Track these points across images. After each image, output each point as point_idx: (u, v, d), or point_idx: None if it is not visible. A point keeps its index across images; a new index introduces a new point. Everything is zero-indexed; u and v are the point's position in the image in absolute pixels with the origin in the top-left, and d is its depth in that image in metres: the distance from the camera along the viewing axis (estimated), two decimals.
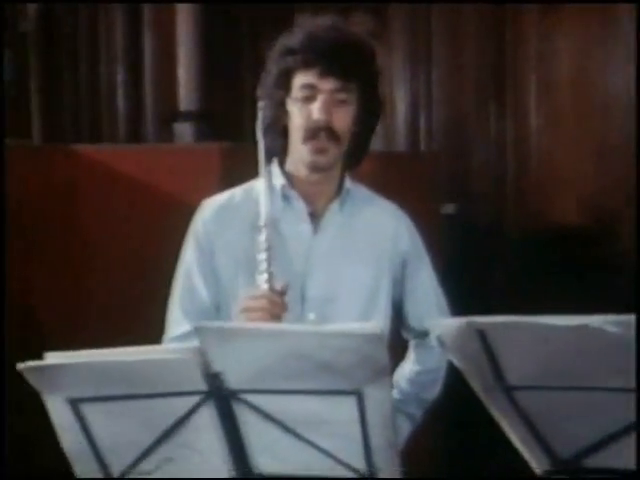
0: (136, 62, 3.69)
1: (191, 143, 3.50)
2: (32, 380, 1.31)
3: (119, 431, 1.36)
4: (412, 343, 2.07)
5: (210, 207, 1.94)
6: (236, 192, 1.96)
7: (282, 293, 1.72)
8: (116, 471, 1.39)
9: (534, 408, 1.28)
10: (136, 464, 1.38)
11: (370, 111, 1.93)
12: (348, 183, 1.96)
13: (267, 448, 1.36)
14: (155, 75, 3.68)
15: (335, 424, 1.32)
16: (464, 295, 2.97)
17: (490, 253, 3.96)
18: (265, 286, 1.71)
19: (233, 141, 3.01)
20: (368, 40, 1.97)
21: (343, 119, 1.86)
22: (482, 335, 1.22)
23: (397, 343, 1.99)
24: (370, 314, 1.90)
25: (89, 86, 3.69)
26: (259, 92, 1.93)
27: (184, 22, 3.59)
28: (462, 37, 4.02)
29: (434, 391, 2.05)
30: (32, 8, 3.25)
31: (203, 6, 3.62)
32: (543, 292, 3.59)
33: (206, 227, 1.91)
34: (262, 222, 1.76)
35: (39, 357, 1.32)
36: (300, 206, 1.92)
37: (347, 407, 1.29)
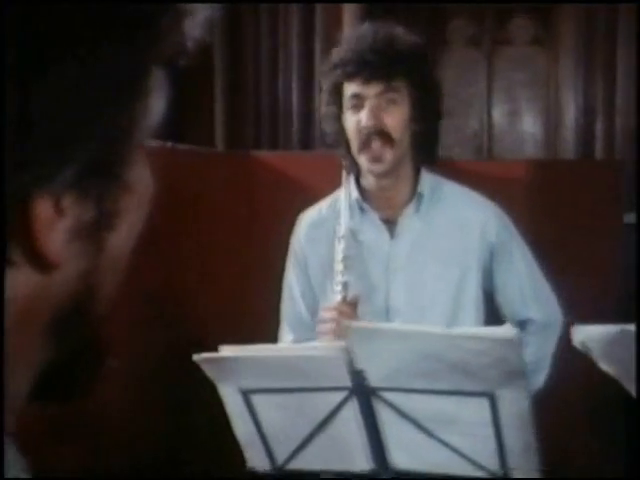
0: (309, 71, 3.83)
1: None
2: (207, 370, 1.45)
3: (281, 421, 1.49)
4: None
5: (303, 223, 2.02)
6: (323, 205, 2.02)
7: (353, 303, 1.77)
8: (280, 459, 1.52)
9: None
10: (296, 454, 1.50)
11: (427, 106, 1.90)
12: (425, 184, 1.94)
13: (402, 444, 1.44)
14: None
15: (467, 424, 1.38)
16: None
17: None
18: (339, 296, 1.76)
19: None
20: (411, 37, 1.92)
21: (395, 119, 1.85)
22: None
23: None
24: (457, 311, 1.89)
25: (269, 96, 3.86)
26: (320, 112, 1.98)
27: (350, 24, 3.69)
28: None
29: (533, 383, 1.88)
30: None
31: (366, 9, 3.68)
32: None
33: (300, 243, 2.00)
34: (341, 233, 1.82)
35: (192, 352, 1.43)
36: (374, 216, 1.94)
37: (480, 408, 1.35)
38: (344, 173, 1.90)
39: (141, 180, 0.48)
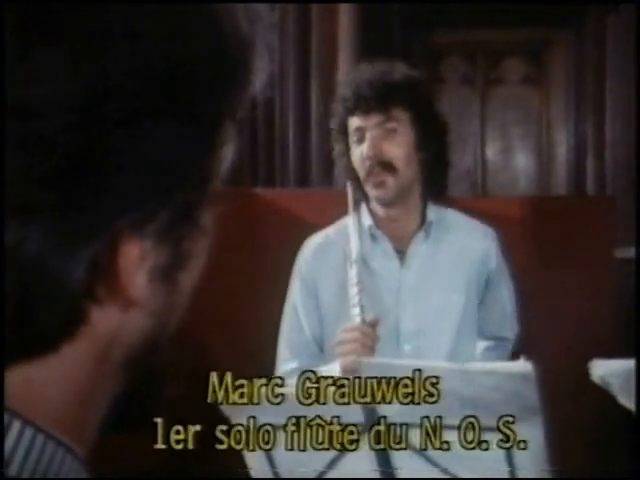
0: (305, 108, 3.88)
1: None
2: (222, 407, 1.43)
3: (294, 457, 1.47)
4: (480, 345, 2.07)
5: (310, 246, 2.04)
6: (331, 230, 2.06)
7: (373, 325, 1.79)
8: None
9: None
10: None
11: (430, 135, 1.94)
12: (431, 214, 1.99)
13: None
14: (320, 120, 3.85)
15: (481, 460, 1.38)
16: None
17: None
18: (357, 319, 1.78)
19: None
20: (407, 69, 1.98)
21: (395, 147, 1.90)
22: None
23: None
24: (463, 336, 1.95)
25: (265, 134, 3.90)
26: (332, 146, 2.03)
27: (346, 65, 3.75)
28: None
29: None
30: None
31: (363, 47, 3.74)
32: None
33: (308, 264, 2.02)
34: (352, 258, 1.85)
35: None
36: (386, 245, 1.97)
37: (493, 444, 1.35)
38: (350, 202, 1.93)
39: (211, 223, 0.51)
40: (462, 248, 1.99)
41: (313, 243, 2.05)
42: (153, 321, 0.49)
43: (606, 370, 1.33)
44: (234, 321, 2.85)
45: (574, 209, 3.31)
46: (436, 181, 1.99)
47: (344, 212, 2.91)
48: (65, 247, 0.43)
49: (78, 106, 0.42)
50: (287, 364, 1.97)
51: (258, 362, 2.75)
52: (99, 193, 0.43)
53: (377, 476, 1.45)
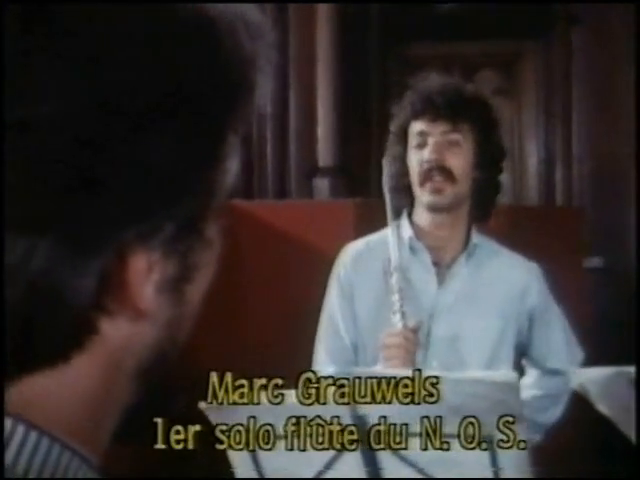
0: (283, 119, 3.90)
1: (327, 199, 3.70)
2: (212, 417, 1.46)
3: (284, 465, 1.49)
4: (535, 371, 2.08)
5: (349, 253, 2.04)
6: (372, 239, 2.06)
7: (415, 330, 1.82)
8: None
9: None
10: None
11: (489, 157, 1.96)
12: (475, 237, 2.00)
13: None
14: (299, 131, 3.87)
15: (467, 467, 1.41)
16: (614, 344, 2.94)
17: None
18: (399, 324, 1.81)
19: (365, 195, 3.17)
20: (479, 91, 2.02)
21: (456, 158, 1.91)
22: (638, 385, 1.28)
23: None
24: (493, 364, 1.94)
25: (243, 145, 3.91)
26: (386, 153, 2.04)
27: (324, 75, 3.78)
28: (611, 86, 3.94)
29: (552, 415, 2.05)
30: None
31: (341, 58, 3.78)
32: None
33: (347, 271, 2.02)
34: (392, 267, 1.88)
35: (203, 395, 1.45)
36: (426, 258, 1.97)
37: (478, 451, 1.38)
38: (389, 212, 1.94)
39: (217, 235, 0.52)
40: (502, 278, 1.99)
41: (352, 250, 2.05)
42: (162, 332, 0.50)
43: (584, 378, 1.37)
44: (219, 334, 2.87)
45: (545, 219, 3.37)
46: (484, 204, 2.00)
47: (325, 222, 2.97)
48: (73, 259, 0.44)
49: (84, 121, 0.43)
50: (324, 367, 1.98)
51: (243, 364, 2.77)
52: (106, 206, 0.44)
53: (364, 477, 1.48)
